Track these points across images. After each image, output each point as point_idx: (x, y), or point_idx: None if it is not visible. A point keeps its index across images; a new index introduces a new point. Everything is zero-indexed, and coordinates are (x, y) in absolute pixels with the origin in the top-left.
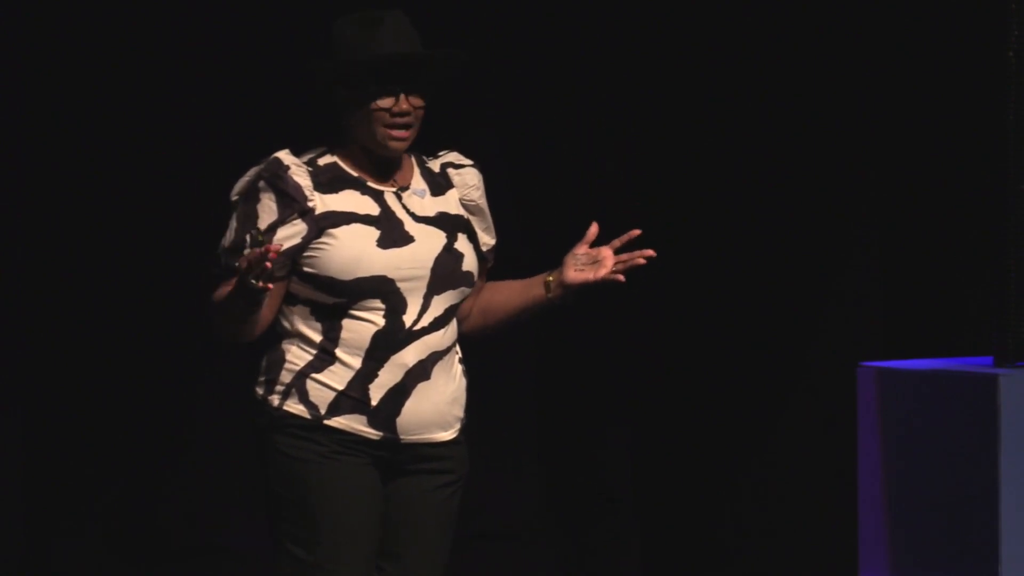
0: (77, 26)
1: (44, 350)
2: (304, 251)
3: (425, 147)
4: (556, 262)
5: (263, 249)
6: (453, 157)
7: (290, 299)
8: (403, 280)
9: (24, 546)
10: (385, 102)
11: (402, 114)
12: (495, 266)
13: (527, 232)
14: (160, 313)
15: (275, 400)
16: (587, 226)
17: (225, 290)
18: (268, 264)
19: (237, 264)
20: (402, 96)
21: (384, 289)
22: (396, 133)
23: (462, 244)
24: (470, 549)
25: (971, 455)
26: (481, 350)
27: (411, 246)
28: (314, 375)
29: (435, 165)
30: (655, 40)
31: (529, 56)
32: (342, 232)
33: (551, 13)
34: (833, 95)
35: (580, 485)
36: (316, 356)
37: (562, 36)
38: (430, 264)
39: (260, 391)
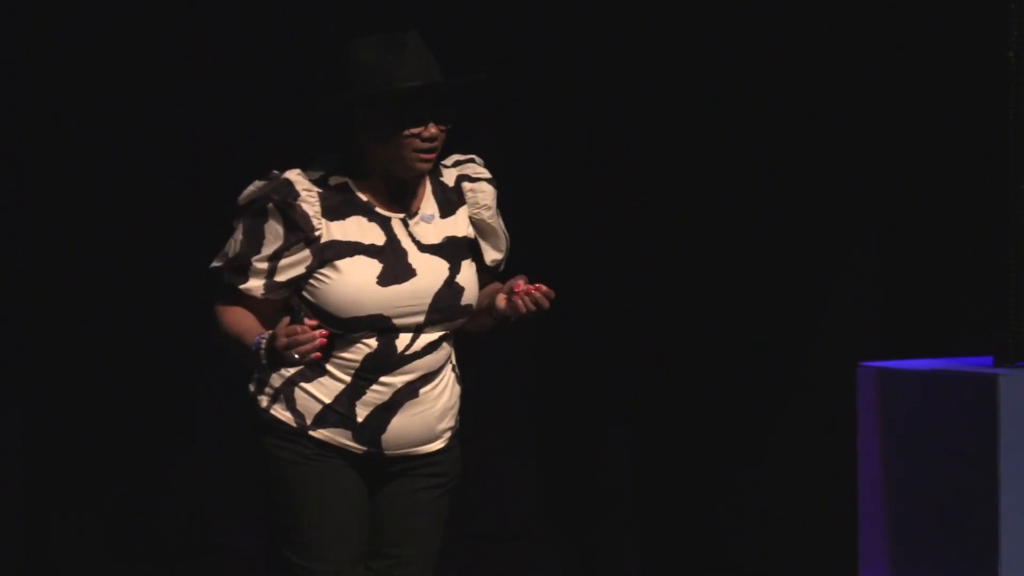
0: (77, 26)
1: (44, 350)
2: (308, 278)
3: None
4: (556, 262)
5: (314, 336)
6: (470, 169)
7: (290, 311)
8: (400, 316)
9: (24, 546)
10: (415, 129)
11: (431, 139)
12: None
13: (527, 232)
14: (160, 313)
15: (264, 402)
16: (587, 225)
17: (232, 322)
18: (317, 355)
19: (274, 335)
20: (431, 123)
21: (379, 325)
22: (424, 156)
23: (464, 275)
24: (470, 550)
25: (971, 455)
26: (480, 350)
27: (412, 281)
28: (303, 384)
29: (450, 178)
30: (655, 40)
31: (529, 56)
32: (344, 265)
33: (551, 14)
34: (833, 95)
35: (580, 485)
36: (307, 367)
37: (562, 36)
38: (429, 300)
39: (252, 388)
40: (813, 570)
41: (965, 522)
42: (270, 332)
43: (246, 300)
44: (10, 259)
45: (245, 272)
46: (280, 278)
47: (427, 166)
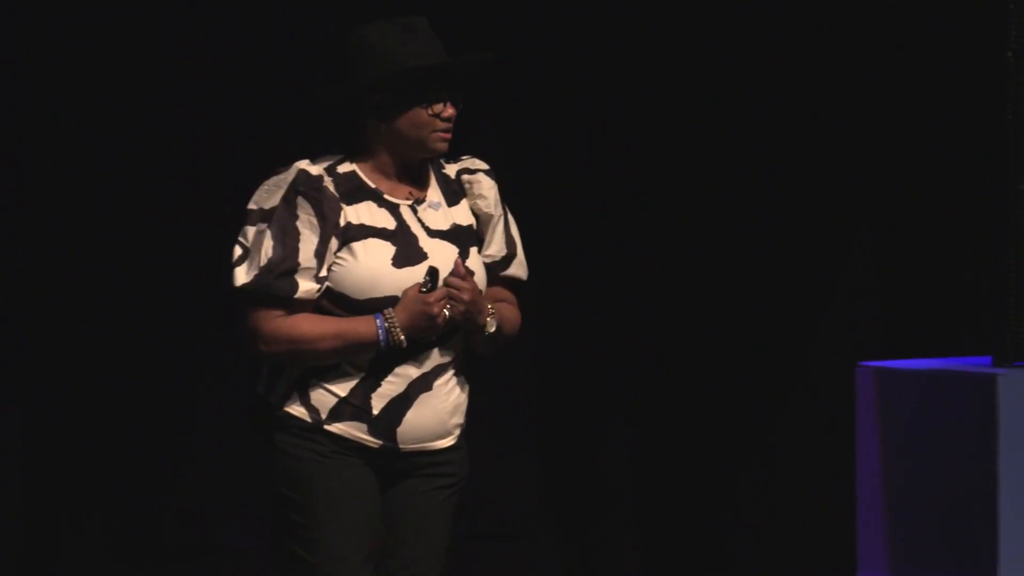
0: (78, 26)
1: (44, 350)
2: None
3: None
4: (557, 262)
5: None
6: (469, 163)
7: (320, 311)
8: None
9: (24, 546)
10: (437, 107)
11: (450, 118)
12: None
13: (527, 232)
14: (160, 313)
15: (276, 400)
16: (587, 226)
17: (317, 328)
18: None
19: (435, 312)
20: (448, 103)
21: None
22: (445, 136)
23: (473, 260)
24: (470, 549)
25: (970, 455)
26: None
27: (424, 264)
28: (317, 379)
29: (451, 171)
30: (655, 40)
31: (529, 56)
32: (359, 247)
33: (551, 13)
34: (833, 95)
35: (580, 485)
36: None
37: (562, 36)
38: (441, 283)
39: (262, 390)
40: (813, 570)
41: (964, 522)
42: (390, 312)
43: (298, 308)
44: (10, 259)
45: (293, 276)
46: (324, 273)
47: (445, 146)
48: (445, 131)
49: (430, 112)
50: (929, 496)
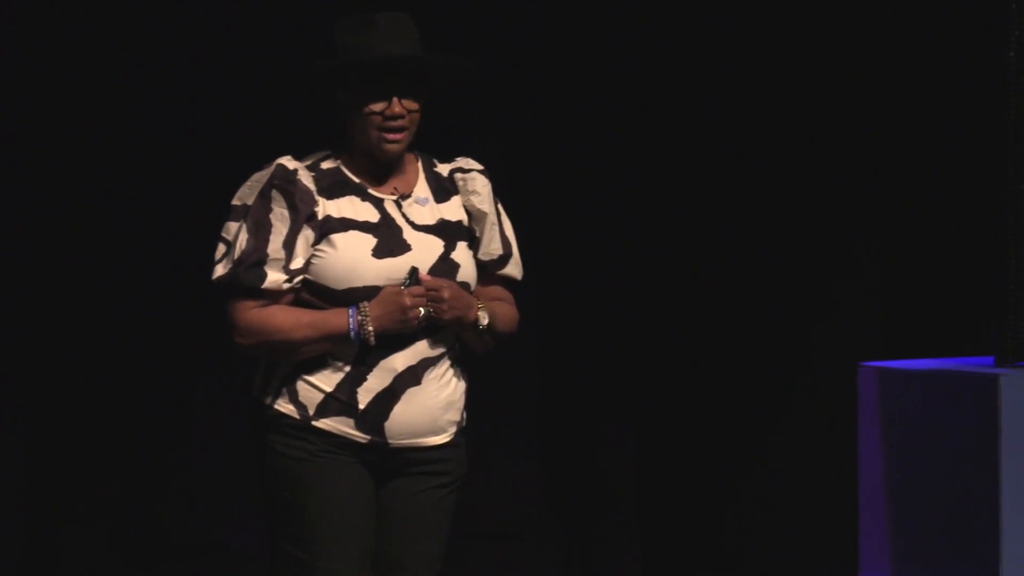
0: (78, 26)
1: (44, 350)
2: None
3: (434, 152)
4: (555, 263)
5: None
6: (463, 162)
7: (301, 304)
8: None
9: (24, 546)
10: (377, 105)
11: (394, 117)
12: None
13: (529, 232)
14: (160, 313)
15: (268, 399)
16: (589, 227)
17: (290, 319)
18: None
19: (408, 305)
20: (395, 100)
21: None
22: (390, 136)
23: (460, 253)
24: (470, 549)
25: (971, 455)
26: None
27: (407, 255)
28: (304, 376)
29: (444, 169)
30: (654, 43)
31: (529, 59)
32: (339, 239)
33: (551, 16)
34: (834, 95)
35: (581, 484)
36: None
37: (562, 37)
38: (424, 273)
39: (255, 391)
40: (813, 570)
41: (966, 522)
42: (364, 305)
43: (271, 299)
44: (10, 259)
45: (262, 267)
46: (295, 265)
47: (394, 147)
48: (393, 130)
49: (369, 110)
50: (931, 496)
